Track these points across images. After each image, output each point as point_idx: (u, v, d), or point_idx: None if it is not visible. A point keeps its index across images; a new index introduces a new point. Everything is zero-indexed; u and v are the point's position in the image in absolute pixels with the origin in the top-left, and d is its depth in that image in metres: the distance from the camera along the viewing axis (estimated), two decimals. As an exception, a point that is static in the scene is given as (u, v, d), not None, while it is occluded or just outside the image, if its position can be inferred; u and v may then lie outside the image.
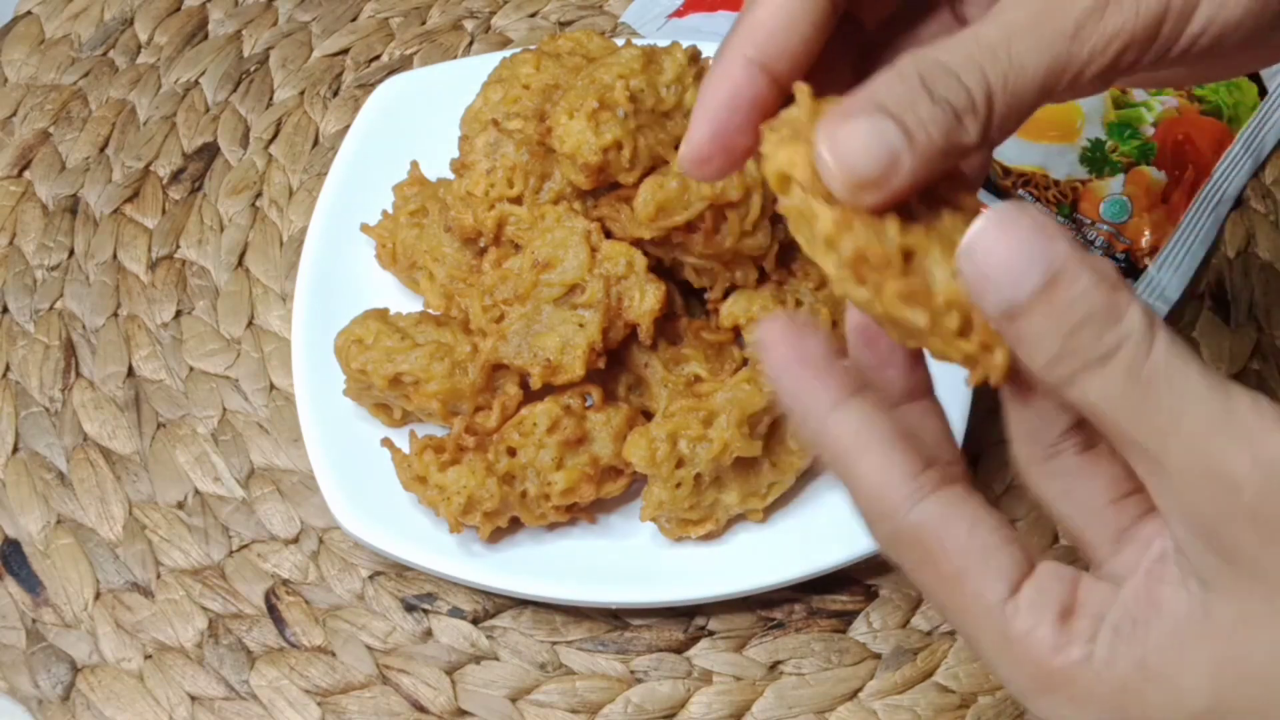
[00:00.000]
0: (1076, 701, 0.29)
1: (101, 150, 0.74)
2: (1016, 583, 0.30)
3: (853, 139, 0.29)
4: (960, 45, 0.31)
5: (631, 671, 0.59)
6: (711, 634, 0.60)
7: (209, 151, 0.74)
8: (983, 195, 0.72)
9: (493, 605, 0.60)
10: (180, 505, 0.63)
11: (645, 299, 0.57)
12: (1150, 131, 0.73)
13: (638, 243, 0.58)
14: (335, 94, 0.77)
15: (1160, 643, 0.28)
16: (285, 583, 0.61)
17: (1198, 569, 0.28)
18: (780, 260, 0.60)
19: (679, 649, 0.59)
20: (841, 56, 0.37)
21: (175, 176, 0.73)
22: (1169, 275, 0.69)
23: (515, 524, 0.58)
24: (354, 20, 0.80)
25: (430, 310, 0.62)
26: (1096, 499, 0.31)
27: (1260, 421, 0.27)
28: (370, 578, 0.61)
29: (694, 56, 0.60)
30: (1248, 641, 0.28)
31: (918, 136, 0.29)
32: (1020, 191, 0.72)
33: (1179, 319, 0.69)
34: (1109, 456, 0.31)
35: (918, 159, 0.29)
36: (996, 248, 0.28)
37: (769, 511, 0.59)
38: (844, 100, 0.30)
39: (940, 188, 0.32)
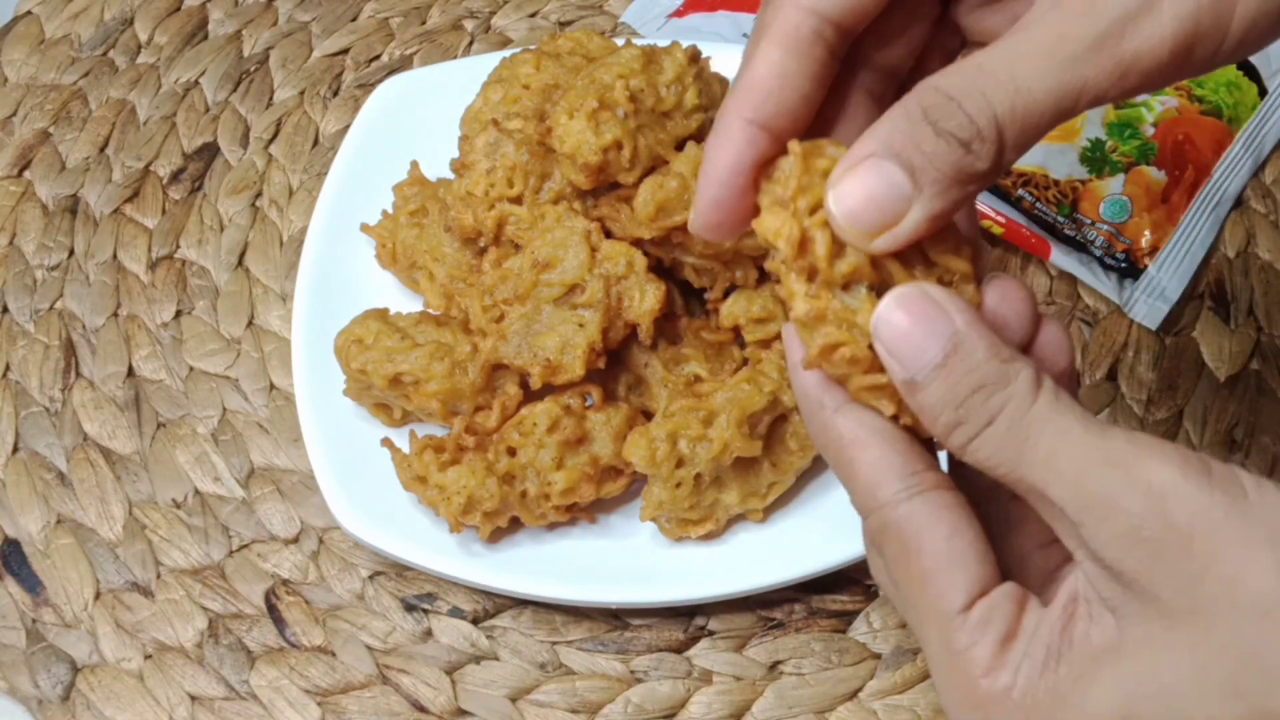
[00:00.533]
0: None
1: (101, 150, 0.75)
2: (974, 598, 0.31)
3: (857, 189, 0.30)
4: (964, 72, 0.31)
5: (631, 671, 0.59)
6: (711, 634, 0.60)
7: (209, 151, 0.74)
8: (983, 195, 0.72)
9: (493, 605, 0.60)
10: (179, 505, 0.63)
11: (645, 299, 0.57)
12: (1150, 131, 0.73)
13: (638, 243, 0.58)
14: (335, 94, 0.77)
15: (1071, 672, 0.30)
16: (285, 583, 0.61)
17: (1105, 599, 0.30)
18: (780, 260, 0.60)
19: (679, 649, 0.59)
20: (861, 100, 0.36)
21: (175, 176, 0.73)
22: (1169, 275, 0.69)
23: (515, 524, 0.58)
24: (354, 20, 0.80)
25: (430, 310, 0.62)
26: (1026, 544, 0.33)
27: (1135, 451, 0.28)
28: (370, 578, 0.61)
29: (694, 56, 0.60)
30: (1152, 663, 0.29)
31: (925, 173, 0.30)
32: (1020, 191, 0.72)
33: (1179, 319, 0.69)
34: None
35: (930, 193, 0.30)
36: (897, 327, 0.30)
37: (769, 511, 0.59)
38: (854, 145, 0.31)
39: (934, 250, 0.32)
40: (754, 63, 0.33)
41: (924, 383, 0.30)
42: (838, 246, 0.31)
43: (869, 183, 0.30)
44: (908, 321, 0.30)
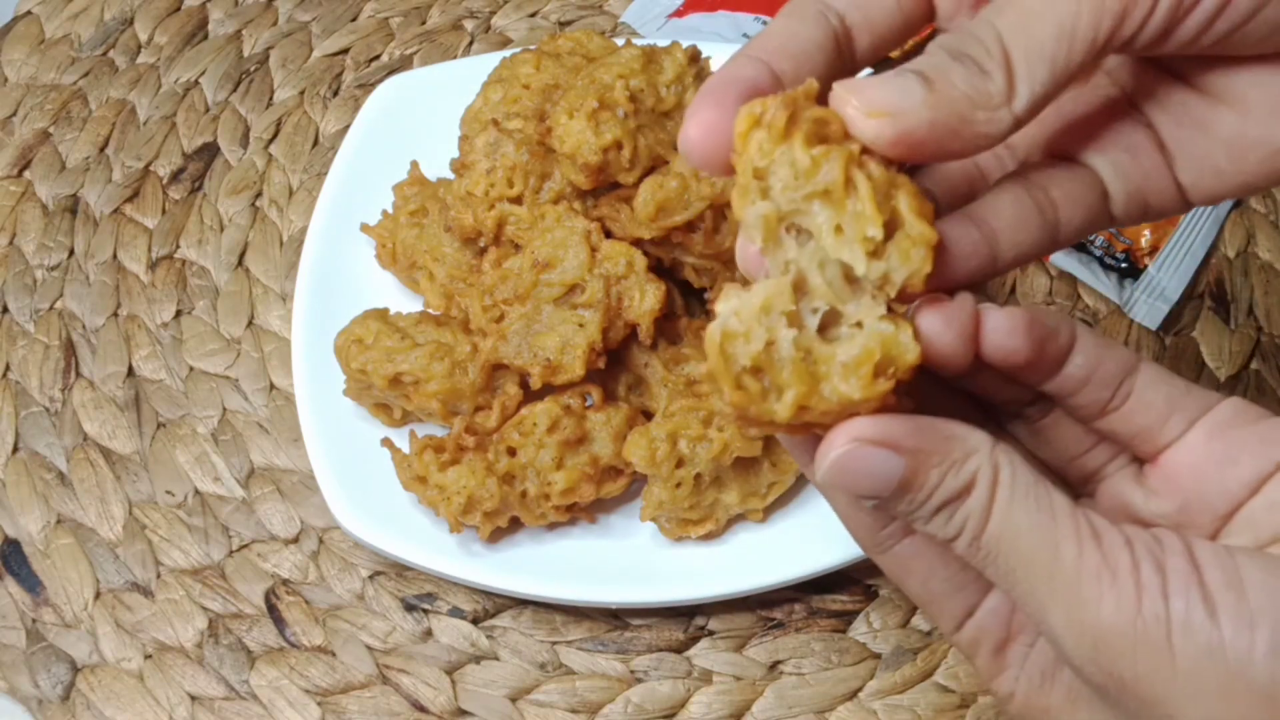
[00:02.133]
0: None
1: (101, 150, 0.75)
2: (960, 621, 0.36)
3: (872, 82, 0.31)
4: (980, 13, 0.32)
5: (631, 671, 0.59)
6: (711, 634, 0.60)
7: (209, 151, 0.74)
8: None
9: (493, 605, 0.60)
10: (179, 504, 0.63)
11: (645, 299, 0.57)
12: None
13: (638, 243, 0.58)
14: (335, 94, 0.77)
15: (1062, 693, 0.35)
16: (285, 583, 0.61)
17: (1075, 677, 0.34)
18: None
19: (679, 649, 0.59)
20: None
21: (175, 176, 0.73)
22: (1169, 275, 0.69)
23: (515, 524, 0.58)
24: (354, 20, 0.80)
25: (430, 310, 0.62)
26: (1058, 459, 0.37)
27: (1080, 576, 0.30)
28: (370, 578, 0.61)
29: (694, 56, 0.60)
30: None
31: (938, 81, 0.31)
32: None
33: (1179, 319, 0.69)
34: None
35: (940, 99, 0.31)
36: (851, 457, 0.31)
37: (769, 511, 0.59)
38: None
39: (901, 193, 0.32)
40: (767, 29, 0.35)
41: (887, 502, 0.32)
42: (809, 163, 0.31)
43: (885, 81, 0.31)
44: (843, 463, 0.31)
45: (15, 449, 0.65)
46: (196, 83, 0.77)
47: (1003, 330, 0.32)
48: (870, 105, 0.31)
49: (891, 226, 0.31)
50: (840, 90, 0.31)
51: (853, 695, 0.58)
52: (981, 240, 0.34)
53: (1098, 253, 0.70)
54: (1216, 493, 0.33)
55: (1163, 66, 0.36)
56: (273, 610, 0.60)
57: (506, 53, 0.66)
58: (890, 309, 0.32)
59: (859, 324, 0.31)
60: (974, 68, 0.31)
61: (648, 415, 0.60)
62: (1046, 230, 0.35)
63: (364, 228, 0.65)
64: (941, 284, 0.33)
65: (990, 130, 0.31)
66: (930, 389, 0.35)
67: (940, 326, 0.32)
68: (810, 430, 0.32)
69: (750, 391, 0.31)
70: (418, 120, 0.68)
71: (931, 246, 0.31)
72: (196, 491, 0.63)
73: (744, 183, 0.31)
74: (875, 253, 0.31)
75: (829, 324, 0.32)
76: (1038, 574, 0.31)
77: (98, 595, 0.60)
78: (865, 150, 0.31)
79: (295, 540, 0.62)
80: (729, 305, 0.31)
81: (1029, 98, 0.31)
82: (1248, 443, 0.33)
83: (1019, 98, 0.31)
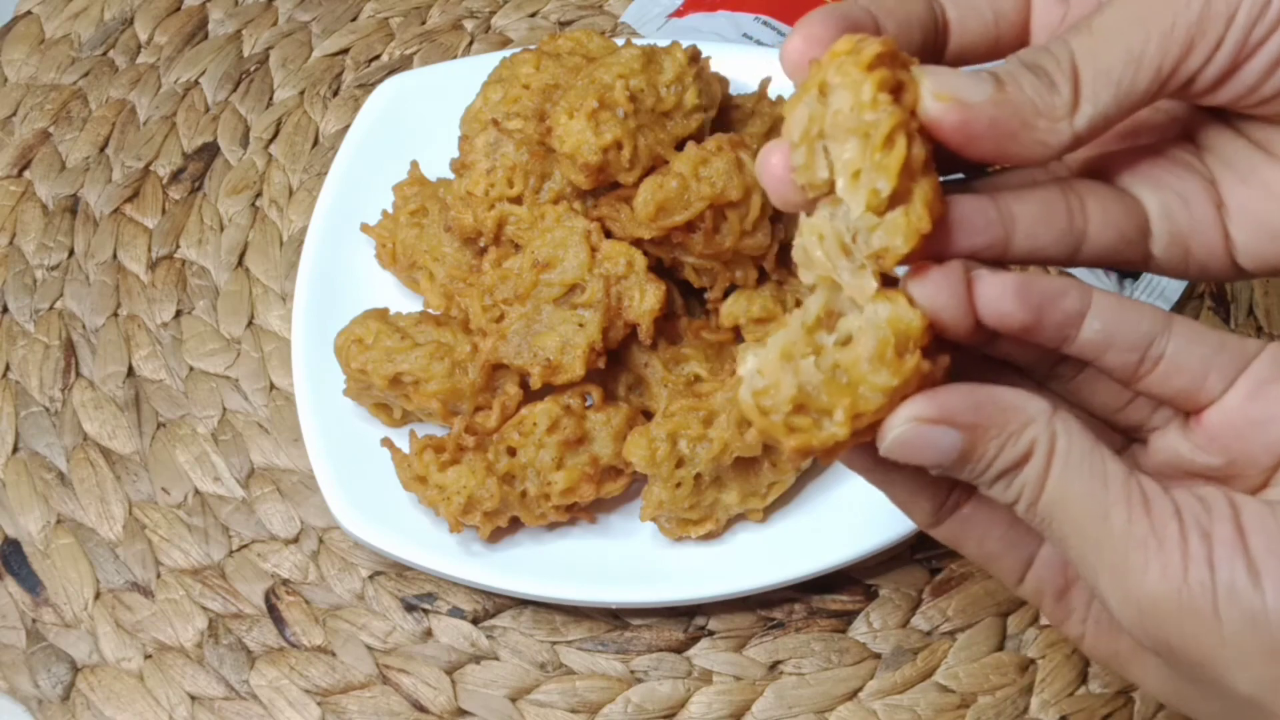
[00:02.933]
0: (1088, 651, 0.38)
1: (101, 150, 0.75)
2: (1020, 574, 0.38)
3: (946, 71, 0.33)
4: (1057, 34, 0.34)
5: (631, 671, 0.59)
6: (711, 634, 0.60)
7: (209, 151, 0.74)
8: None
9: (493, 605, 0.60)
10: (179, 503, 0.63)
11: (645, 299, 0.57)
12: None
13: (638, 243, 0.58)
14: (335, 94, 0.77)
15: (1125, 642, 0.37)
16: (285, 582, 0.61)
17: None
18: (780, 260, 0.60)
19: (679, 649, 0.59)
20: None
21: (175, 176, 0.73)
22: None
23: (515, 524, 0.58)
24: (354, 20, 0.80)
25: (430, 310, 0.62)
26: (1105, 409, 0.38)
27: (1128, 544, 0.31)
28: (370, 578, 0.61)
29: (694, 56, 0.60)
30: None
31: (1008, 84, 0.33)
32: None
33: (1179, 319, 0.69)
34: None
35: (1005, 98, 0.33)
36: (910, 431, 0.33)
37: (769, 511, 0.59)
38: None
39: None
40: None
41: (948, 469, 0.33)
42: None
43: (960, 73, 0.33)
44: (903, 441, 0.33)
45: (15, 449, 0.65)
46: (196, 83, 0.77)
47: (993, 294, 0.33)
48: (941, 88, 0.32)
49: (900, 202, 0.32)
50: (917, 70, 0.33)
51: (853, 695, 0.58)
52: (996, 221, 0.35)
53: (1098, 253, 0.70)
54: (1261, 449, 0.34)
55: (1236, 129, 0.37)
56: (273, 610, 0.60)
57: (506, 53, 0.66)
58: (883, 288, 0.33)
59: (859, 306, 0.32)
60: (1045, 79, 0.33)
61: (648, 415, 0.60)
62: (1070, 237, 0.36)
63: (364, 228, 0.65)
64: (940, 252, 0.34)
65: (1048, 140, 0.33)
66: (972, 356, 0.35)
67: (931, 291, 0.33)
68: (874, 431, 0.33)
69: (804, 429, 0.32)
70: (418, 120, 0.68)
71: (921, 236, 0.32)
72: (196, 491, 0.63)
73: (807, 88, 0.33)
74: (876, 212, 0.32)
75: (835, 323, 0.33)
76: (1088, 540, 0.32)
77: (98, 595, 0.60)
78: (922, 130, 0.32)
79: (295, 540, 0.62)
80: (750, 365, 0.33)
81: (1091, 116, 0.33)
82: None
83: (1081, 114, 0.33)
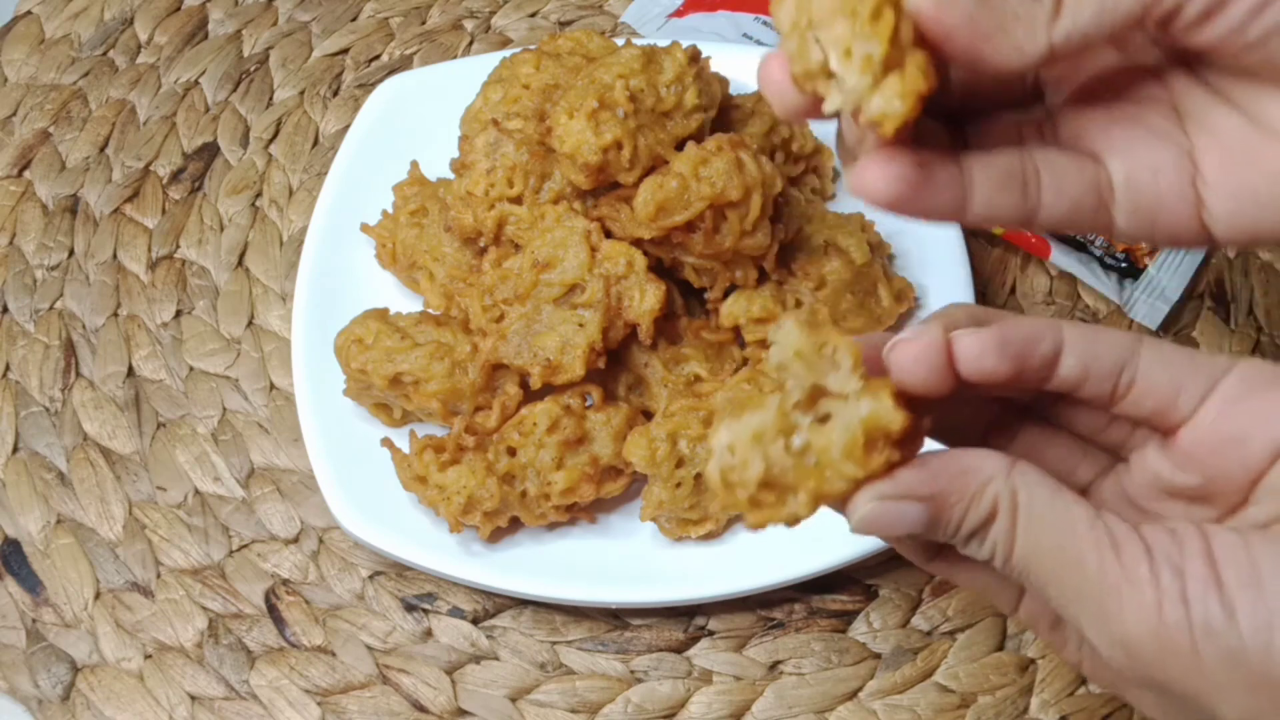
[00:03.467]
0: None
1: (101, 150, 0.75)
2: (1015, 604, 0.38)
3: None
4: None
5: (631, 671, 0.59)
6: (711, 634, 0.60)
7: (209, 151, 0.74)
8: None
9: (493, 605, 0.60)
10: (179, 503, 0.63)
11: (645, 299, 0.57)
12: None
13: (638, 243, 0.58)
14: (335, 94, 0.77)
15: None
16: (285, 582, 0.61)
17: None
18: (780, 260, 0.60)
19: (679, 649, 0.59)
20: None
21: (175, 176, 0.73)
22: (1169, 275, 0.69)
23: (515, 524, 0.58)
24: (354, 20, 0.80)
25: (430, 310, 0.62)
26: (1085, 432, 0.38)
27: (1103, 589, 0.32)
28: (370, 578, 0.61)
29: (694, 56, 0.60)
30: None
31: None
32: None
33: (1179, 319, 0.69)
34: None
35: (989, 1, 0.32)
36: (882, 519, 0.33)
37: (769, 511, 0.59)
38: None
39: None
40: None
41: (924, 534, 0.34)
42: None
43: None
44: (870, 519, 0.34)
45: (15, 449, 0.65)
46: (196, 83, 0.77)
47: (973, 355, 0.34)
48: None
49: (893, 68, 0.33)
50: None
51: (853, 695, 0.58)
52: (958, 178, 0.35)
53: (1098, 252, 0.70)
54: (1236, 466, 0.34)
55: (1217, 92, 0.37)
56: (273, 610, 0.60)
57: (506, 53, 0.66)
58: (865, 380, 0.33)
59: (843, 397, 0.33)
60: None
61: (648, 415, 0.60)
62: (1024, 206, 0.36)
63: (364, 228, 0.65)
64: (906, 205, 0.34)
65: (1024, 48, 0.33)
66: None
67: (910, 364, 0.34)
68: (839, 500, 0.34)
69: (767, 505, 0.33)
70: (418, 120, 0.68)
71: (919, 96, 0.32)
72: (196, 491, 0.63)
73: None
74: (872, 83, 0.32)
75: (814, 403, 0.33)
76: (1066, 589, 0.32)
77: (98, 595, 0.60)
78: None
79: (295, 540, 0.62)
80: (723, 440, 0.33)
81: (1069, 30, 0.33)
82: (1257, 418, 0.34)
83: (1060, 27, 0.33)
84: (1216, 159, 0.36)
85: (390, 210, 0.65)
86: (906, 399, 0.33)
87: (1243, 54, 0.34)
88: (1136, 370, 0.34)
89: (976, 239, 0.70)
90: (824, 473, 0.33)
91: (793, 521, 0.34)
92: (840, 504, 0.34)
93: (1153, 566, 0.31)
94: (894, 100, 0.32)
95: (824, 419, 0.33)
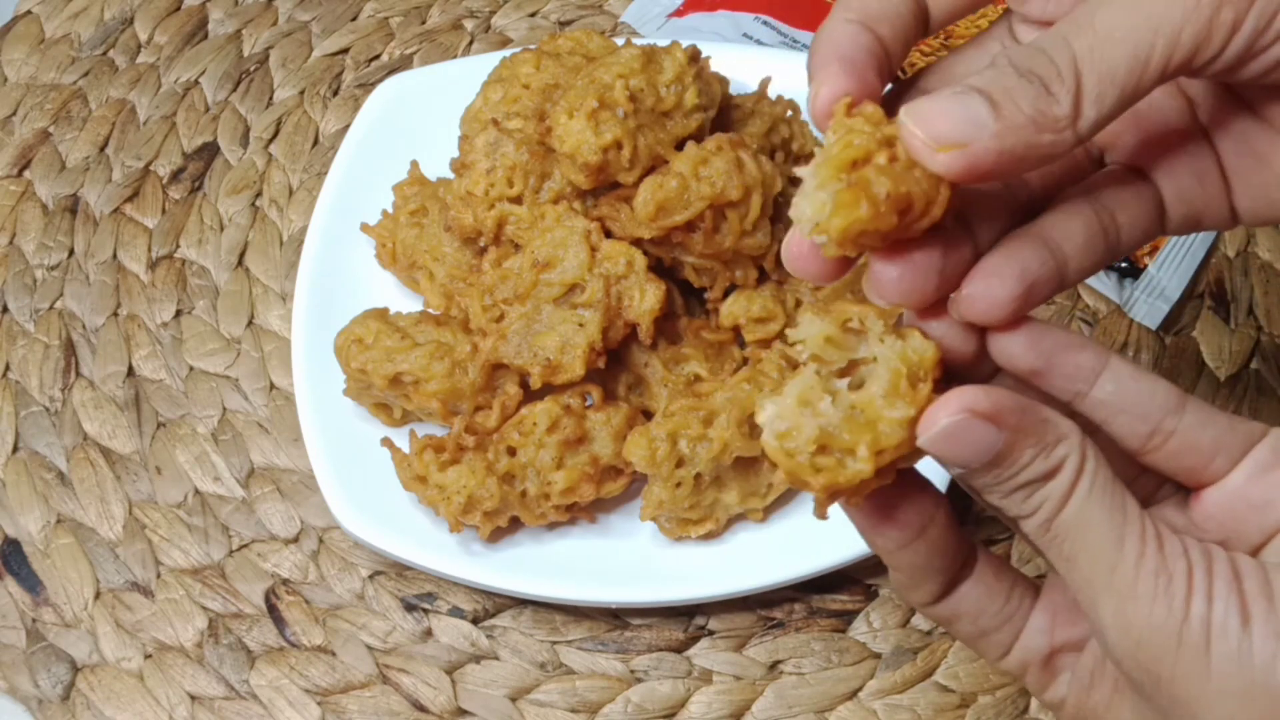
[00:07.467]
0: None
1: (101, 150, 0.75)
2: (1008, 647, 0.38)
3: (935, 108, 0.31)
4: (1052, 29, 0.32)
5: (631, 671, 0.59)
6: (711, 634, 0.60)
7: (209, 151, 0.74)
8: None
9: (493, 605, 0.60)
10: (179, 503, 0.63)
11: (645, 299, 0.57)
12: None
13: (638, 243, 0.58)
14: (335, 94, 0.77)
15: (1102, 698, 0.37)
16: (285, 582, 0.61)
17: (1113, 674, 0.36)
18: (780, 260, 0.60)
19: (679, 649, 0.59)
20: None
21: (175, 176, 0.73)
22: (1169, 275, 0.69)
23: (515, 524, 0.58)
24: (354, 20, 0.80)
25: (430, 310, 0.62)
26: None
27: (1139, 575, 0.32)
28: (370, 577, 0.61)
29: (694, 56, 0.60)
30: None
31: (1004, 106, 0.31)
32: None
33: (1179, 318, 0.69)
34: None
35: (1007, 125, 0.31)
36: (943, 429, 0.32)
37: (769, 511, 0.59)
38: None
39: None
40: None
41: (974, 474, 0.33)
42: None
43: (949, 105, 0.31)
44: (950, 431, 0.32)
45: (15, 449, 0.65)
46: (196, 82, 0.77)
47: (1005, 341, 0.34)
48: (939, 139, 0.31)
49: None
50: (907, 121, 0.31)
51: (853, 695, 0.58)
52: (1054, 267, 0.34)
53: (1098, 252, 0.70)
54: (1255, 529, 0.35)
55: (1233, 94, 0.37)
56: (273, 610, 0.60)
57: (506, 53, 0.66)
58: (891, 327, 0.33)
59: (874, 359, 0.33)
60: (1041, 89, 0.31)
61: (648, 415, 0.60)
62: (1110, 252, 0.36)
63: (364, 228, 0.65)
64: (1022, 310, 0.34)
65: (1054, 151, 0.32)
66: None
67: (941, 327, 0.34)
68: (896, 471, 0.34)
69: (828, 468, 0.32)
70: (418, 120, 0.68)
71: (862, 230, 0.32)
72: (196, 491, 0.63)
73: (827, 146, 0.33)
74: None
75: (850, 374, 0.34)
76: (1099, 566, 0.32)
77: (98, 595, 0.60)
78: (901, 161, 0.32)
79: (295, 540, 0.62)
80: (770, 412, 0.33)
81: (1094, 120, 0.32)
82: None
83: (1085, 120, 0.32)
84: (1234, 159, 0.37)
85: (390, 210, 0.65)
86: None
87: (1263, 77, 0.34)
88: (1180, 423, 0.34)
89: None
90: (877, 425, 0.32)
91: (857, 485, 0.33)
92: (895, 466, 0.33)
93: (1189, 565, 0.32)
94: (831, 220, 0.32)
95: (860, 386, 0.33)
